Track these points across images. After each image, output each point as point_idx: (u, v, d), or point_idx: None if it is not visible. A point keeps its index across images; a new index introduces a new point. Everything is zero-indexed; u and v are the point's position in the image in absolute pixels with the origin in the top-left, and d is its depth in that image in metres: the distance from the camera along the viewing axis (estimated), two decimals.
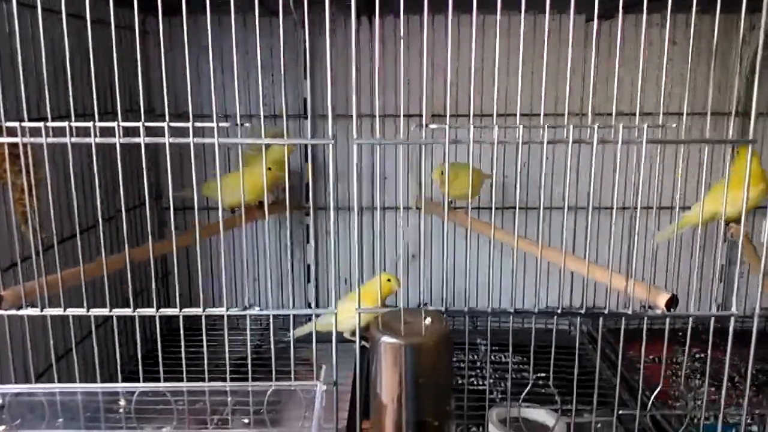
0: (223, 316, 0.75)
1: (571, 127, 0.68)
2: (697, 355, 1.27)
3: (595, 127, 0.68)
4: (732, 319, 0.74)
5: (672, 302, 0.72)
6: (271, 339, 0.76)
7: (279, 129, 1.21)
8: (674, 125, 0.69)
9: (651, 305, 0.73)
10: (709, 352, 0.76)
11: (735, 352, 0.75)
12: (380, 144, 0.73)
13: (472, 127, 0.69)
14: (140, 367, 0.77)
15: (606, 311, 0.74)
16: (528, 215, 0.90)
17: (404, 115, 0.71)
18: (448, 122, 0.69)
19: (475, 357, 1.23)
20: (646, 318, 0.75)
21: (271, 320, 0.76)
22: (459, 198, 1.18)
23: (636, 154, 0.70)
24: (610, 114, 0.70)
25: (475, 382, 1.14)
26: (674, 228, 0.77)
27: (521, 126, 0.68)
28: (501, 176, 0.70)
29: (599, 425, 0.95)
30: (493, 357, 1.21)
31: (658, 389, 0.77)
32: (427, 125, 0.71)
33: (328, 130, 0.72)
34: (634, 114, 0.72)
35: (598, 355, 0.76)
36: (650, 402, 0.77)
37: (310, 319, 1.33)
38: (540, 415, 0.85)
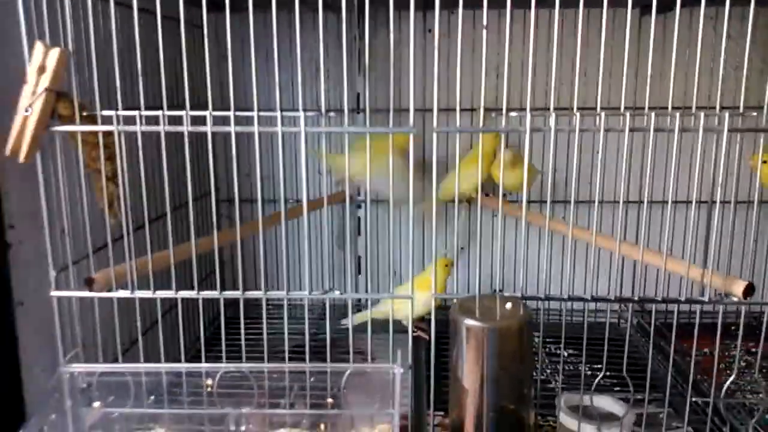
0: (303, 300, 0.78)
1: (653, 114, 0.69)
2: (753, 350, 1.27)
3: (677, 114, 0.69)
4: None
5: (749, 290, 0.72)
6: (350, 321, 0.78)
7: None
8: (755, 113, 0.70)
9: (727, 293, 0.73)
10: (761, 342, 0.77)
11: None
12: (459, 132, 0.74)
13: (553, 115, 0.71)
14: (223, 349, 0.79)
15: (683, 299, 0.75)
16: (587, 208, 0.91)
17: (485, 108, 0.73)
18: (528, 110, 0.71)
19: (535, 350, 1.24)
20: (721, 307, 0.75)
21: (350, 303, 0.78)
22: (513, 189, 1.20)
23: (716, 145, 0.71)
24: (689, 107, 0.72)
25: (538, 375, 1.15)
26: None
27: (603, 113, 0.70)
28: (572, 169, 0.71)
29: (660, 416, 0.96)
30: (551, 349, 1.22)
31: (732, 377, 0.78)
32: (504, 113, 0.72)
33: (410, 120, 0.74)
34: (708, 107, 0.72)
35: (672, 346, 0.77)
36: (723, 391, 0.78)
37: (358, 310, 1.37)
38: (607, 403, 0.86)
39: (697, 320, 0.76)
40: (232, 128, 0.73)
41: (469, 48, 1.14)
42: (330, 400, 0.77)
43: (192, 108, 0.73)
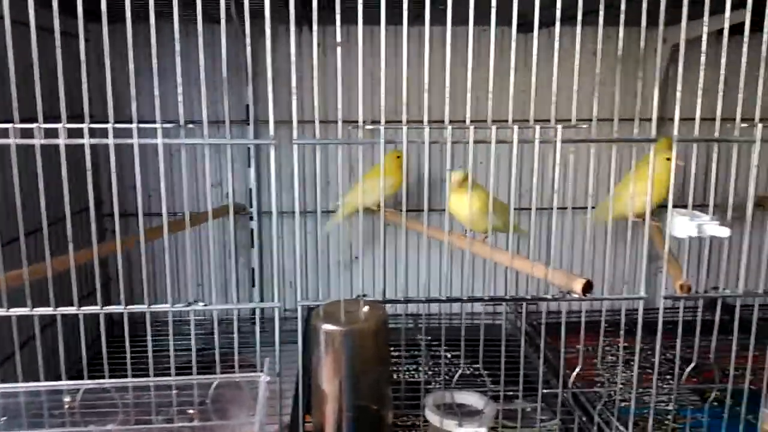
0: (167, 314, 0.78)
1: (494, 128, 0.74)
2: (623, 344, 1.37)
3: (515, 127, 0.75)
4: (641, 302, 0.82)
5: (587, 287, 0.79)
6: (215, 333, 0.79)
7: None
8: (585, 126, 0.76)
9: (569, 291, 0.79)
10: (621, 336, 0.84)
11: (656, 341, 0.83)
12: (318, 144, 0.77)
13: (405, 128, 0.75)
14: (84, 364, 0.78)
15: (528, 297, 0.81)
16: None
17: (342, 120, 0.76)
18: (383, 122, 0.75)
19: (417, 353, 1.29)
20: (564, 302, 0.81)
21: (214, 315, 0.79)
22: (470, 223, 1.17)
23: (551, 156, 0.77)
24: (528, 120, 0.77)
25: (416, 376, 1.20)
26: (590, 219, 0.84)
27: (450, 126, 0.74)
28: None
29: (528, 409, 1.02)
30: (433, 352, 1.27)
31: (578, 369, 0.84)
32: (363, 126, 0.76)
33: (270, 131, 0.76)
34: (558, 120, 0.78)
35: (522, 341, 0.83)
36: (571, 381, 0.84)
37: (252, 322, 1.37)
38: (473, 399, 0.91)
39: (544, 313, 0.82)
40: (86, 140, 0.72)
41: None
42: (191, 411, 0.77)
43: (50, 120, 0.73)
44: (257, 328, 0.81)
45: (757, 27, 0.77)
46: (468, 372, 1.16)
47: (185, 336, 0.81)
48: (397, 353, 1.25)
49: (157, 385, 0.78)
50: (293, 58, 0.75)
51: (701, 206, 0.84)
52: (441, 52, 0.75)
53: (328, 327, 0.71)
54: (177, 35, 0.72)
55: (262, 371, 0.78)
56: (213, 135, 0.77)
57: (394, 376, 1.16)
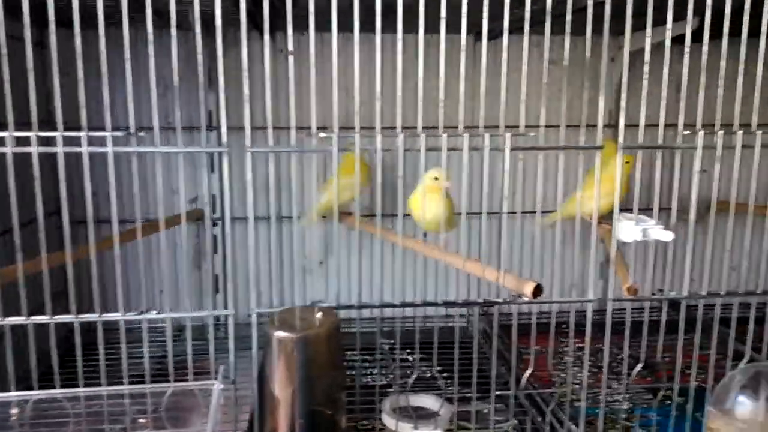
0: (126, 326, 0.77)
1: (445, 136, 0.76)
2: (579, 345, 1.40)
3: (466, 136, 0.76)
4: (590, 305, 0.84)
5: (537, 290, 0.80)
6: (169, 342, 0.78)
7: None
8: (533, 134, 0.78)
9: (520, 294, 0.81)
10: (571, 338, 0.86)
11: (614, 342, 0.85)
12: (272, 152, 0.78)
13: (358, 135, 0.75)
14: (34, 375, 0.77)
15: (480, 300, 0.82)
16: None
17: (297, 127, 0.76)
18: (336, 129, 0.75)
19: (380, 356, 1.29)
20: (515, 305, 0.83)
21: (168, 323, 0.78)
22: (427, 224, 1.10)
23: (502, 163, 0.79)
24: (478, 127, 0.79)
25: (378, 380, 1.20)
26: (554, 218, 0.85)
27: (402, 134, 0.76)
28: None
29: (486, 410, 1.04)
30: (393, 355, 1.27)
31: (529, 371, 0.86)
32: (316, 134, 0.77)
33: (223, 138, 0.76)
34: (507, 126, 0.80)
35: (476, 343, 0.84)
36: (523, 382, 0.86)
37: (217, 328, 1.35)
38: (430, 402, 0.92)
39: (496, 315, 0.84)
40: (33, 149, 0.72)
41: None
42: (143, 420, 0.76)
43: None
44: (211, 336, 0.81)
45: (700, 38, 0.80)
46: (428, 375, 1.17)
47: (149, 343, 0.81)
48: (355, 358, 1.26)
49: (111, 394, 0.78)
50: (245, 65, 0.75)
51: (649, 210, 0.87)
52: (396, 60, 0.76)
53: (280, 334, 0.72)
54: (127, 43, 0.72)
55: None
56: (174, 142, 0.77)
57: (353, 381, 1.16)
